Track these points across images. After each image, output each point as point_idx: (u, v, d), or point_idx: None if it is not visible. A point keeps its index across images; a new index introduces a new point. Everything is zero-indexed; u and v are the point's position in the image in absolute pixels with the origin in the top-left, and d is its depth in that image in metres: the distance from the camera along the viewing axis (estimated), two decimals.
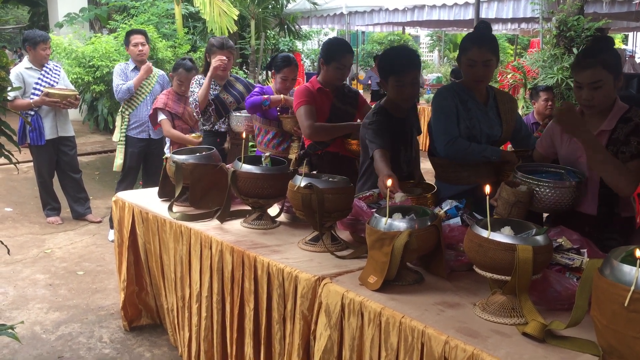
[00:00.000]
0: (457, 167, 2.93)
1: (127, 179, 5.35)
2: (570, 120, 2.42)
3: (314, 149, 3.59)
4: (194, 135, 4.53)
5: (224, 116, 4.41)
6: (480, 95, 2.97)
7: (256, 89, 4.10)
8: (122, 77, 5.28)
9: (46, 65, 5.57)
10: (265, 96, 3.94)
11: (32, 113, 5.43)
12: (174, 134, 4.65)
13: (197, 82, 4.39)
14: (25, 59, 5.60)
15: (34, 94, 5.42)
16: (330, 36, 21.38)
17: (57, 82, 5.58)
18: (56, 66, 5.72)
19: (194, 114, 4.46)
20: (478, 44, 2.83)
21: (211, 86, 4.34)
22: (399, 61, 3.01)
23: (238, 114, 4.31)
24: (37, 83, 5.46)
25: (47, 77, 5.53)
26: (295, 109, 3.59)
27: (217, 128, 4.44)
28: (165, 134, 4.82)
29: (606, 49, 2.47)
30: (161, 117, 4.71)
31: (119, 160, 5.40)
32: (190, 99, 4.41)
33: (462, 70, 2.93)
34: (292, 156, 3.84)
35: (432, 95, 10.81)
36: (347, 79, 3.88)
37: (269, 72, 13.25)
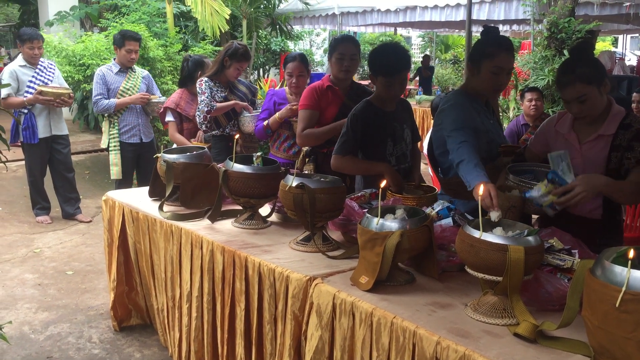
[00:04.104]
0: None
1: (124, 186, 5.29)
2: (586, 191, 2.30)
3: (320, 147, 3.55)
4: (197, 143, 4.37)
5: (233, 119, 4.31)
6: (483, 102, 2.87)
7: (267, 98, 4.08)
8: (103, 87, 5.24)
9: (41, 63, 5.54)
10: (265, 122, 3.93)
11: (26, 111, 5.40)
12: (178, 140, 4.50)
13: (207, 85, 4.20)
14: (20, 57, 5.58)
15: (27, 92, 5.38)
16: (322, 37, 21.38)
17: (51, 81, 5.54)
18: (51, 64, 5.69)
19: (199, 118, 4.23)
20: (507, 50, 2.65)
21: (217, 90, 4.24)
22: (389, 63, 3.02)
23: (247, 114, 4.26)
24: (30, 81, 5.42)
25: (41, 75, 5.49)
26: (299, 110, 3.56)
27: (229, 132, 4.29)
28: (170, 137, 4.69)
29: (583, 62, 2.44)
30: (169, 118, 4.57)
31: (115, 167, 5.33)
32: (201, 102, 4.17)
33: (482, 78, 2.68)
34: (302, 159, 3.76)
35: (422, 96, 10.82)
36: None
37: (261, 72, 13.26)
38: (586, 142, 2.54)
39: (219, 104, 4.19)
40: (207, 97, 4.17)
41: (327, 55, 3.64)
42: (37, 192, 5.76)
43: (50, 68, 5.63)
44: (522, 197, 2.37)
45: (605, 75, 2.48)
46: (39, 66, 5.51)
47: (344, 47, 3.47)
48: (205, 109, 4.16)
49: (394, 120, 3.17)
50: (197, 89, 4.25)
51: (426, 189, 3.07)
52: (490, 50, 2.64)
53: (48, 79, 5.52)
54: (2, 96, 5.36)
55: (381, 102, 3.13)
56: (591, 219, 2.55)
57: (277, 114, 3.89)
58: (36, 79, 5.45)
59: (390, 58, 3.05)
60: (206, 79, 4.25)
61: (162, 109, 4.72)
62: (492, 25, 2.92)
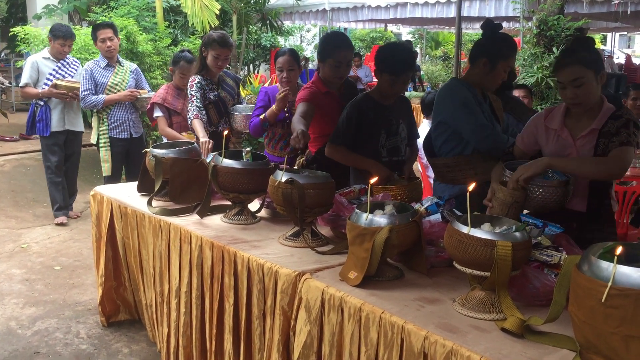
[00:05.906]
0: (464, 166, 2.91)
1: (113, 181, 5.23)
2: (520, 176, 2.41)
3: (321, 153, 3.44)
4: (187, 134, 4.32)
5: (224, 115, 4.23)
6: (479, 93, 3.02)
7: (260, 95, 3.99)
8: (90, 82, 5.17)
9: (65, 59, 5.51)
10: (262, 116, 3.83)
11: (42, 103, 5.37)
12: (168, 133, 4.45)
13: (198, 84, 4.09)
14: (46, 49, 5.55)
15: (45, 84, 5.35)
16: (313, 33, 21.36)
17: (71, 77, 5.48)
18: (75, 62, 5.65)
19: (190, 121, 4.12)
20: (516, 52, 2.99)
21: (208, 87, 4.13)
22: (396, 64, 3.09)
23: (238, 113, 4.17)
24: (50, 74, 5.39)
25: (62, 70, 5.45)
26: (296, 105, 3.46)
27: (221, 129, 4.15)
28: (160, 132, 4.65)
29: (585, 48, 2.49)
30: (157, 113, 4.53)
31: (106, 163, 5.27)
32: (190, 105, 4.09)
33: (495, 75, 2.95)
34: (298, 160, 3.67)
35: (412, 92, 10.83)
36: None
37: (251, 67, 13.21)
38: (580, 137, 2.53)
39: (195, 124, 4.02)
40: (193, 104, 4.06)
41: (316, 52, 3.51)
42: (55, 188, 5.54)
43: (74, 65, 5.59)
44: (525, 193, 2.39)
45: (603, 66, 2.51)
46: (62, 61, 5.48)
47: (342, 55, 3.37)
48: (192, 113, 4.08)
49: (390, 114, 3.23)
50: (188, 92, 4.14)
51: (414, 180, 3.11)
52: (508, 52, 2.94)
53: (69, 75, 5.47)
54: (20, 84, 5.42)
55: (380, 96, 3.21)
56: (575, 210, 2.56)
57: (273, 106, 3.78)
58: (57, 72, 5.42)
59: (397, 59, 3.13)
60: (198, 78, 4.12)
61: (149, 105, 4.67)
62: (496, 22, 3.02)
